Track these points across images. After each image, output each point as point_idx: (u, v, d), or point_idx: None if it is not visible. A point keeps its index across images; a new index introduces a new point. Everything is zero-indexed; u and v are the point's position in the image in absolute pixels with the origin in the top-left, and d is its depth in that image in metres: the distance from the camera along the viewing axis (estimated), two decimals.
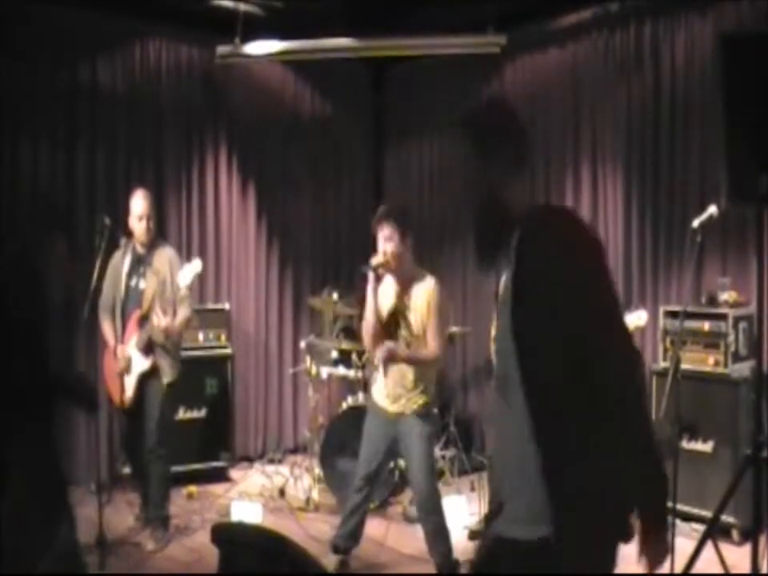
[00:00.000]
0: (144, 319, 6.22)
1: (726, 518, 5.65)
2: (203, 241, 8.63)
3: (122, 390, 6.27)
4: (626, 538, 2.64)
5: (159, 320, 6.08)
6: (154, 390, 6.32)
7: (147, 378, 6.31)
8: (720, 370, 6.35)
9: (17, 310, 3.86)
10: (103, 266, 6.25)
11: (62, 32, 7.60)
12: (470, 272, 9.01)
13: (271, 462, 8.58)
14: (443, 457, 7.81)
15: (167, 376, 6.34)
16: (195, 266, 6.13)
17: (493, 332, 5.97)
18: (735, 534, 6.08)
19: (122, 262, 6.46)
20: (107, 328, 6.48)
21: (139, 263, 6.39)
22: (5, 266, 4.11)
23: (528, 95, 8.43)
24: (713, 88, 6.39)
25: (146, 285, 6.27)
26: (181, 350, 6.57)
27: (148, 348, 6.28)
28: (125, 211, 6.44)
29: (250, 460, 8.63)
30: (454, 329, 8.09)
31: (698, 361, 6.44)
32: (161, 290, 6.22)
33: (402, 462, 7.19)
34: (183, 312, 6.35)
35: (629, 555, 2.77)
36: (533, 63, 8.43)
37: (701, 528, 5.58)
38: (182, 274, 6.11)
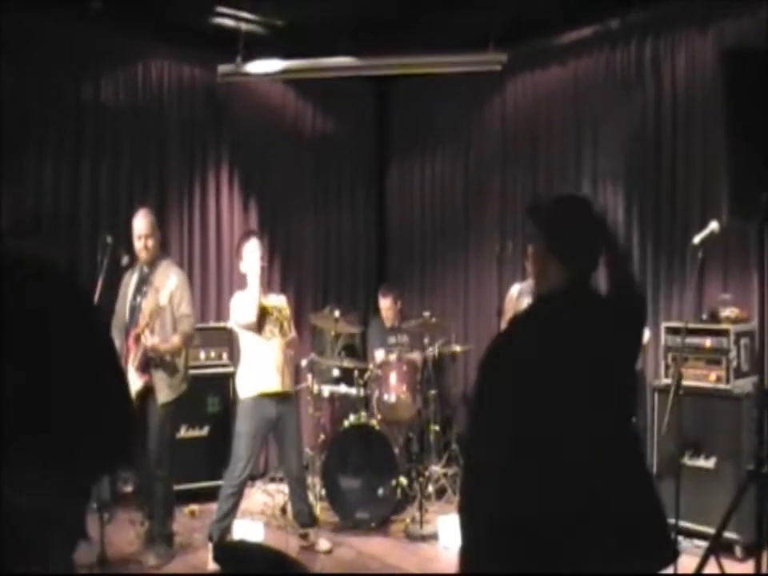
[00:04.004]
0: (140, 337, 6.20)
1: (729, 535, 5.61)
2: (205, 259, 8.64)
3: None
4: None
5: (146, 339, 6.07)
6: (151, 409, 6.28)
7: (144, 398, 6.27)
8: (722, 386, 6.33)
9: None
10: (105, 284, 6.25)
11: (66, 49, 7.63)
12: (471, 288, 9.02)
13: (273, 480, 8.55)
14: (445, 474, 7.80)
15: (163, 396, 6.28)
16: (171, 282, 6.09)
17: None
18: (738, 550, 6.05)
19: (129, 281, 6.49)
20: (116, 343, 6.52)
21: (143, 282, 6.39)
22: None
23: (529, 112, 8.47)
24: (714, 104, 6.40)
25: (146, 303, 6.26)
26: (185, 368, 6.52)
27: (143, 366, 6.25)
28: (128, 229, 6.45)
29: (251, 478, 8.56)
30: (456, 347, 8.10)
31: (700, 377, 6.42)
32: (157, 307, 6.18)
33: (403, 480, 7.19)
34: (182, 329, 6.32)
35: None
36: (534, 80, 8.46)
37: (703, 544, 5.57)
38: (162, 292, 6.09)
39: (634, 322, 3.01)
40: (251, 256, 6.41)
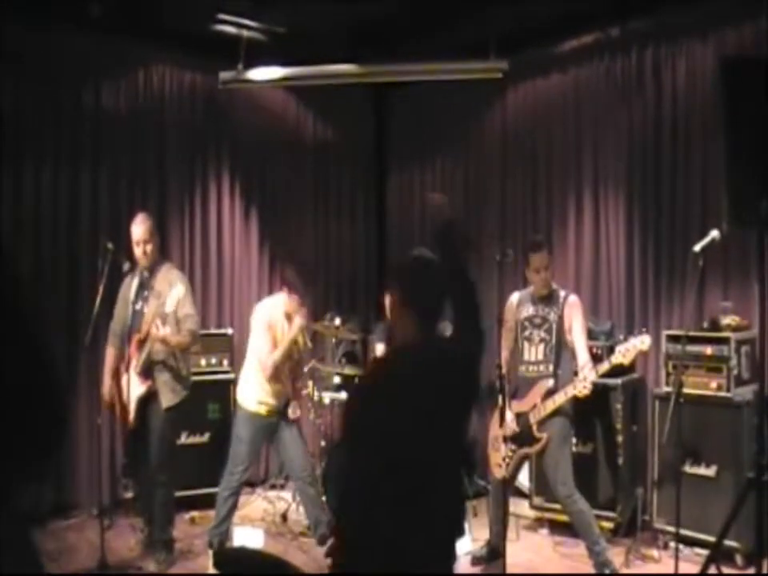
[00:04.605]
0: (142, 342, 6.20)
1: (729, 543, 5.60)
2: (206, 265, 8.65)
3: (124, 411, 6.28)
4: None
5: (158, 330, 6.05)
6: (154, 414, 6.30)
7: (147, 403, 6.28)
8: (722, 393, 6.33)
9: None
10: (106, 290, 6.27)
11: (67, 56, 7.62)
12: None
13: (273, 487, 8.56)
14: None
15: (166, 400, 6.29)
16: (177, 290, 6.09)
17: (497, 359, 6.01)
18: (738, 558, 6.04)
19: (129, 286, 6.49)
20: (110, 351, 6.51)
21: (143, 287, 6.40)
22: None
23: (530, 120, 8.47)
24: (714, 113, 6.41)
25: (148, 308, 6.26)
26: (188, 372, 6.53)
27: (146, 372, 6.26)
28: (128, 235, 6.46)
29: (252, 485, 8.56)
30: None
31: (701, 385, 6.42)
32: (161, 313, 6.18)
33: None
34: (187, 328, 6.31)
35: None
36: (534, 88, 8.47)
37: (704, 552, 5.58)
38: (168, 299, 6.08)
39: (466, 374, 3.48)
40: (299, 320, 6.50)
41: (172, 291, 6.06)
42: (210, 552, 6.25)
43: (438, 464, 3.22)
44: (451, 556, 3.31)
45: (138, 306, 6.37)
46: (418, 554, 3.11)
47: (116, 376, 6.42)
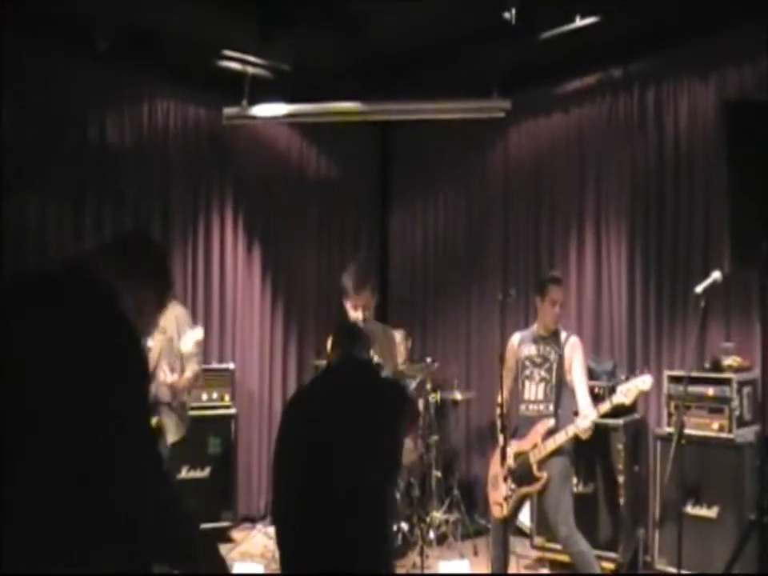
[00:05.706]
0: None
1: None
2: (208, 300, 8.66)
3: None
4: None
5: (166, 376, 6.06)
6: (160, 448, 6.29)
7: None
8: (724, 434, 6.32)
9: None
10: None
11: (71, 89, 7.64)
12: (474, 334, 9.00)
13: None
14: (446, 520, 7.76)
15: (172, 435, 6.30)
16: (197, 333, 6.12)
17: (498, 398, 6.00)
18: None
19: None
20: None
21: None
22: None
23: (532, 159, 8.51)
24: (716, 153, 6.45)
25: (153, 344, 6.26)
26: (188, 408, 6.54)
27: (153, 407, 6.26)
28: None
29: (252, 520, 8.54)
30: (458, 394, 8.10)
31: (703, 426, 6.40)
32: (167, 348, 6.19)
33: (404, 525, 7.16)
34: (191, 368, 6.31)
35: None
36: (537, 127, 8.51)
37: None
38: (183, 339, 6.10)
39: (392, 397, 4.01)
40: None
41: (189, 332, 6.09)
42: None
43: (356, 483, 3.61)
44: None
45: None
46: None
47: None
